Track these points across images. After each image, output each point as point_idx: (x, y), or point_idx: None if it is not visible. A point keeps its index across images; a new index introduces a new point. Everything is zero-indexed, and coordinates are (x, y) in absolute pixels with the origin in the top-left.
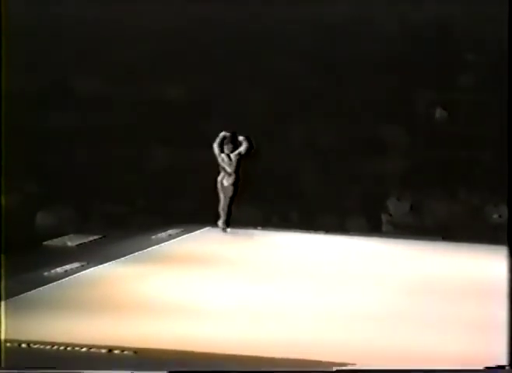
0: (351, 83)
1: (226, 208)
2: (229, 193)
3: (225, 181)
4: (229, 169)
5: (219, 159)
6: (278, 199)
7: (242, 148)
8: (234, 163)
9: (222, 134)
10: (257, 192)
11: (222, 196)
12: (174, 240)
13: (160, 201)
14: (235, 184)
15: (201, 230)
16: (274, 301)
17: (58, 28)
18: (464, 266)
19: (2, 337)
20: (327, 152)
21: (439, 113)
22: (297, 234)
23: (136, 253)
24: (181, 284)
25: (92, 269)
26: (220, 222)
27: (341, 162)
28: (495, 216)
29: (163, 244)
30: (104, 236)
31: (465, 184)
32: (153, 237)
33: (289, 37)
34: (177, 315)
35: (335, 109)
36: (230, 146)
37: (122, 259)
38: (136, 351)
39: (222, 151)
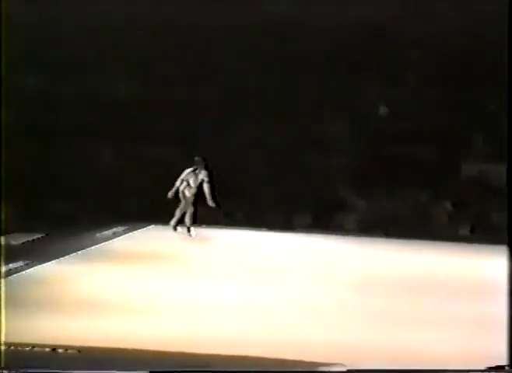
0: (298, 82)
1: (189, 214)
2: (190, 202)
3: (187, 191)
4: (192, 184)
5: (183, 174)
6: (226, 197)
7: (205, 180)
8: (197, 180)
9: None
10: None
11: (183, 202)
12: (119, 238)
13: (106, 199)
14: (196, 195)
15: (146, 228)
16: (217, 298)
17: (7, 25)
18: (409, 263)
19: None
20: (275, 150)
21: (382, 110)
22: (244, 231)
23: (81, 251)
24: (125, 282)
25: (36, 267)
26: (173, 221)
27: (288, 159)
28: (446, 209)
29: (107, 242)
30: (47, 234)
31: (410, 181)
32: (98, 235)
33: (238, 37)
34: (120, 313)
35: (283, 107)
36: (201, 166)
37: (66, 257)
38: (80, 350)
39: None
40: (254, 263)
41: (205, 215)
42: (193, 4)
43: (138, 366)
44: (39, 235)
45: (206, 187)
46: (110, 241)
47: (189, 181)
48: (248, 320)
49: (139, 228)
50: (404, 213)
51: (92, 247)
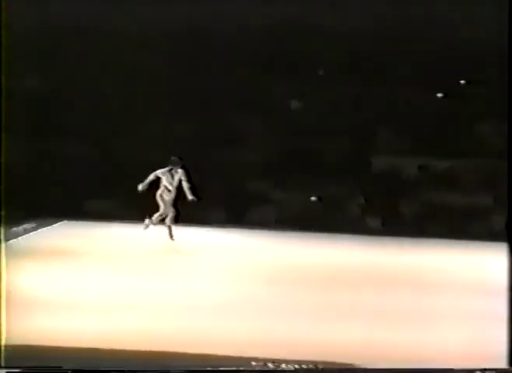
0: (210, 75)
1: (170, 217)
2: (170, 205)
3: (165, 195)
4: (170, 187)
5: (158, 172)
6: (142, 194)
7: (183, 179)
8: (175, 183)
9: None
10: (116, 184)
11: (162, 206)
12: (30, 234)
13: (16, 195)
14: (176, 197)
15: (57, 224)
16: (128, 293)
17: None
18: (322, 256)
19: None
20: (187, 144)
21: (294, 104)
22: (157, 226)
23: None
24: (36, 279)
25: None
26: (147, 220)
27: (202, 155)
28: (358, 202)
29: (18, 238)
30: None
31: (322, 175)
32: (8, 231)
33: (148, 32)
34: (30, 310)
35: (194, 101)
36: (177, 168)
37: None
38: None
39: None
40: (167, 258)
41: (119, 210)
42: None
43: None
44: None
45: (185, 185)
46: (23, 237)
47: (165, 183)
48: (159, 315)
49: (51, 224)
50: (317, 207)
51: (2, 244)
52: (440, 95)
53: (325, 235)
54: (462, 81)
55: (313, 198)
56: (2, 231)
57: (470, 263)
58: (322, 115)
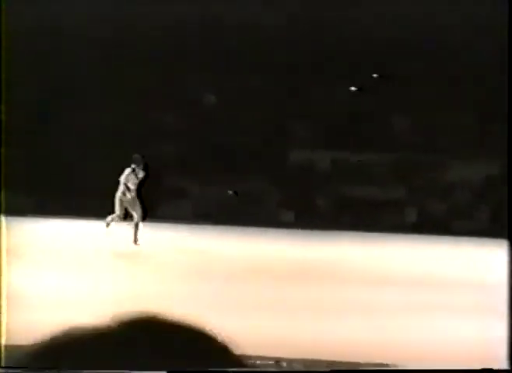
0: (125, 69)
1: (138, 215)
2: (135, 204)
3: (127, 194)
4: (132, 186)
5: (123, 177)
6: (56, 186)
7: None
8: (137, 180)
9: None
10: (33, 179)
11: (118, 208)
12: None
13: None
14: (139, 195)
15: None
16: (42, 290)
17: None
18: (235, 250)
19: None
20: (106, 139)
21: (208, 98)
22: (73, 221)
23: None
24: None
25: None
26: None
27: (116, 147)
28: (273, 196)
29: None
30: None
31: (239, 169)
32: None
33: (66, 21)
34: None
35: (111, 95)
36: (140, 164)
37: None
38: None
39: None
40: (84, 254)
41: (34, 205)
42: None
43: None
44: None
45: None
46: None
47: (128, 184)
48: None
49: None
50: (233, 201)
51: None
52: (353, 88)
53: (240, 228)
54: (375, 75)
55: (229, 192)
56: None
57: (380, 255)
58: (236, 109)
